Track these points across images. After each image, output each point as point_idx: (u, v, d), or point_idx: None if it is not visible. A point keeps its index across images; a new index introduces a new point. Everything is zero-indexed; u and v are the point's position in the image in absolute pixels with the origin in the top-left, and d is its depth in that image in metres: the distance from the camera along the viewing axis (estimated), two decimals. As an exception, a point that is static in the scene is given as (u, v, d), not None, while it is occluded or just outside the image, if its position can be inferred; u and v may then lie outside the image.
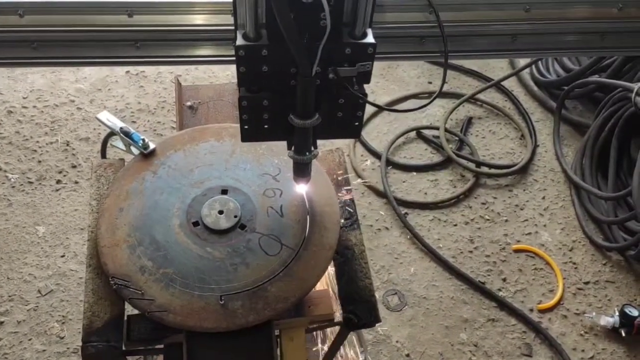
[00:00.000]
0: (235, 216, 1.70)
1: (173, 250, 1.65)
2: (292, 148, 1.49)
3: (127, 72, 3.96)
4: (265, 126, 1.45)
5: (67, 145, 3.49)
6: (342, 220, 1.81)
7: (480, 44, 1.63)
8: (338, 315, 1.75)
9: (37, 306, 2.79)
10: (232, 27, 1.32)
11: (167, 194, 1.77)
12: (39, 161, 3.40)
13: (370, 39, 1.29)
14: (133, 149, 1.93)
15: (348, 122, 1.47)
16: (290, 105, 1.36)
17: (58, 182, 3.30)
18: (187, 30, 1.46)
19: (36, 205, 3.19)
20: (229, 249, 1.66)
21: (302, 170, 1.59)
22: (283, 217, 1.74)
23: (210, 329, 1.53)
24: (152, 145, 1.88)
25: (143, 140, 1.87)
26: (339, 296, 1.70)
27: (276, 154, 1.89)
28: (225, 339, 1.55)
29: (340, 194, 1.87)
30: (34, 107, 3.71)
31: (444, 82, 1.49)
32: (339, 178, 1.92)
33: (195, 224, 1.70)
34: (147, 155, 1.86)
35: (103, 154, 2.27)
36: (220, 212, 1.70)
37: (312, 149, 1.49)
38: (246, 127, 1.46)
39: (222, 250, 1.65)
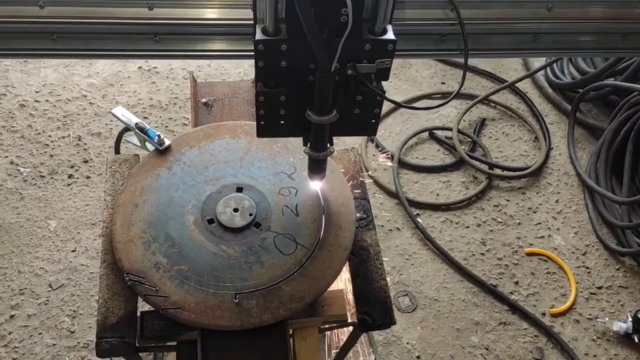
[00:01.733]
0: (251, 214, 1.69)
1: (188, 248, 1.64)
2: (308, 144, 1.48)
3: (140, 67, 3.96)
4: (282, 122, 1.44)
5: (79, 140, 3.49)
6: (358, 219, 1.80)
7: (501, 42, 1.61)
8: (350, 316, 1.73)
9: (47, 300, 2.79)
10: (252, 22, 1.30)
11: (181, 190, 1.76)
12: (51, 155, 3.40)
13: (390, 35, 1.28)
14: (147, 145, 1.92)
15: (365, 120, 1.46)
16: (308, 102, 1.35)
17: (70, 176, 3.30)
18: (207, 24, 1.45)
19: (48, 200, 3.19)
20: (244, 247, 1.64)
21: (317, 167, 1.58)
22: (298, 216, 1.72)
23: (225, 327, 1.52)
24: (167, 142, 1.87)
25: (158, 136, 1.86)
26: (353, 297, 1.68)
27: (292, 152, 1.87)
28: (239, 338, 1.54)
29: (355, 194, 1.86)
30: (47, 101, 3.71)
31: (464, 79, 1.48)
32: (354, 178, 1.90)
33: (210, 221, 1.69)
34: (162, 151, 1.86)
35: (117, 150, 2.26)
36: (235, 210, 1.69)
37: (328, 145, 1.48)
38: (262, 122, 1.45)
39: (237, 248, 1.64)
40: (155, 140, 1.86)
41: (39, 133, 3.52)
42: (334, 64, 1.23)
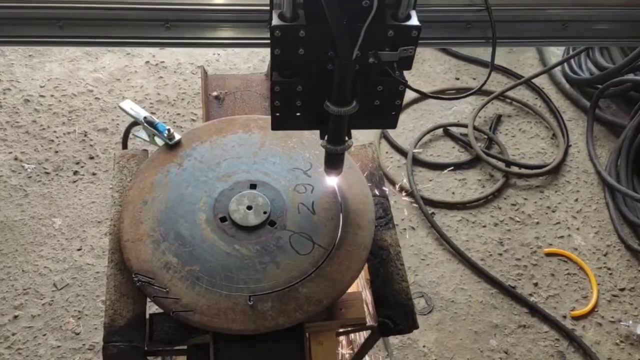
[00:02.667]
0: (265, 212, 1.62)
1: (199, 247, 1.57)
2: (326, 137, 1.42)
3: (147, 62, 3.90)
4: (298, 114, 1.39)
5: (85, 135, 3.44)
6: (377, 218, 1.73)
7: (529, 30, 1.54)
8: (369, 319, 1.67)
9: (52, 300, 2.73)
10: (266, 8, 1.24)
11: (192, 187, 1.70)
12: (56, 151, 3.35)
13: (414, 21, 1.22)
14: (157, 139, 1.86)
15: (385, 111, 1.40)
16: (325, 92, 1.29)
17: (75, 173, 3.24)
18: (220, 10, 1.38)
19: (53, 197, 3.13)
20: (258, 247, 1.58)
21: (334, 162, 1.52)
22: (315, 214, 1.66)
23: (238, 331, 1.45)
24: (177, 136, 1.81)
25: (168, 130, 1.79)
26: (373, 299, 1.61)
27: (307, 147, 1.81)
28: (253, 342, 1.48)
29: (374, 191, 1.78)
30: (52, 96, 3.66)
31: (492, 68, 1.40)
32: (373, 174, 1.83)
33: (223, 219, 1.62)
34: (172, 146, 1.79)
35: (124, 145, 2.20)
36: (249, 208, 1.63)
37: (346, 139, 1.42)
38: (277, 114, 1.39)
39: (251, 248, 1.58)
40: (165, 135, 1.80)
41: (43, 129, 3.46)
42: (355, 52, 1.17)
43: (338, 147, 1.43)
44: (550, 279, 2.94)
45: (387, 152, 3.46)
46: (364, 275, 1.72)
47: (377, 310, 1.58)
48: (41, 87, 3.71)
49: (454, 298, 2.83)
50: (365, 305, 1.70)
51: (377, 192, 1.79)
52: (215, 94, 2.06)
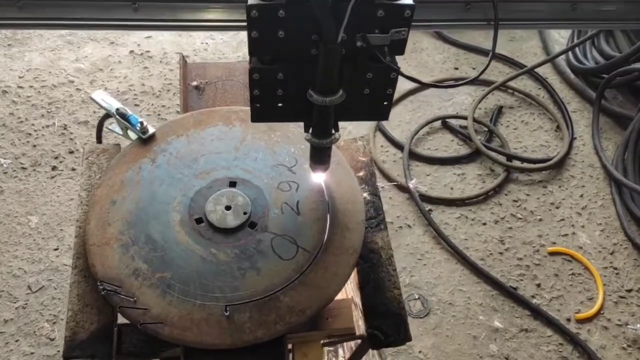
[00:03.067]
0: (245, 213, 1.52)
1: (172, 251, 1.46)
2: (310, 130, 1.33)
3: (131, 51, 3.78)
4: (280, 104, 1.30)
5: (65, 129, 3.32)
6: (368, 219, 1.61)
7: (535, 12, 1.42)
8: (359, 328, 1.55)
9: (26, 304, 2.62)
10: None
11: (167, 185, 1.58)
12: (34, 145, 3.23)
13: (407, -1, 1.12)
14: (130, 133, 1.74)
15: (376, 101, 1.31)
16: (310, 80, 1.21)
17: (54, 168, 3.12)
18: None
19: (29, 194, 3.02)
20: (237, 251, 1.47)
21: (320, 157, 1.43)
22: (299, 215, 1.55)
23: (213, 345, 1.35)
24: (151, 130, 1.69)
25: (141, 123, 1.67)
26: (362, 308, 1.49)
27: (293, 141, 1.70)
28: (229, 357, 1.37)
29: (364, 189, 1.67)
30: (31, 87, 3.54)
31: (493, 52, 1.28)
32: (364, 171, 1.71)
33: (199, 220, 1.52)
34: (145, 140, 1.68)
35: (99, 139, 2.09)
36: (228, 208, 1.53)
37: (333, 132, 1.33)
38: (257, 104, 1.31)
39: (229, 252, 1.47)
40: (138, 128, 1.68)
41: (21, 121, 3.34)
42: (340, 34, 1.08)
43: (324, 141, 1.34)
44: (554, 280, 2.83)
45: (382, 146, 3.35)
46: (354, 279, 1.61)
47: (367, 319, 1.46)
48: (20, 77, 3.60)
49: (452, 300, 2.73)
50: (355, 313, 1.59)
51: (368, 190, 1.67)
52: (195, 83, 1.93)
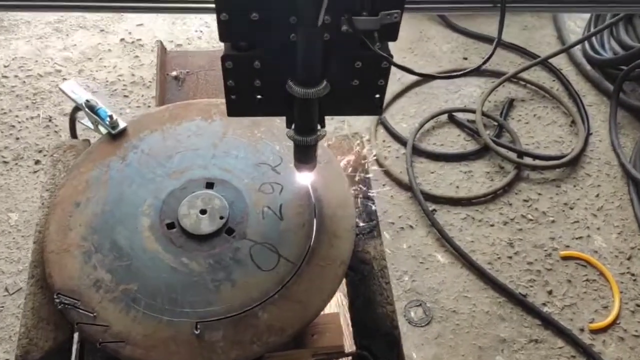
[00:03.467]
0: (222, 217, 1.41)
1: (139, 260, 1.35)
2: (293, 126, 1.22)
3: (122, 39, 3.66)
4: (258, 96, 1.20)
5: (50, 120, 3.21)
6: (359, 225, 1.48)
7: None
8: (349, 346, 1.43)
9: (2, 306, 2.52)
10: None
11: (137, 185, 1.47)
12: (17, 138, 3.13)
13: (399, -24, 1.02)
14: (101, 128, 1.62)
15: (366, 94, 1.20)
16: (290, 69, 1.10)
17: (37, 162, 3.01)
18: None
19: (10, 189, 2.91)
20: (211, 261, 1.35)
21: (305, 155, 1.32)
22: (283, 220, 1.42)
23: (181, 367, 1.22)
24: (122, 124, 1.57)
25: (110, 117, 1.55)
26: (352, 325, 1.36)
27: (278, 138, 1.57)
28: (200, 381, 1.24)
29: (356, 191, 1.53)
30: (16, 76, 3.43)
31: (499, 37, 1.14)
32: (356, 171, 1.58)
33: (170, 226, 1.40)
34: (115, 136, 1.56)
35: (73, 134, 1.97)
36: (203, 212, 1.41)
37: (319, 127, 1.23)
38: (233, 96, 1.21)
39: (202, 261, 1.35)
40: (107, 122, 1.55)
41: (4, 112, 3.24)
42: (321, 16, 0.97)
43: (307, 138, 1.24)
44: (567, 286, 2.69)
45: (384, 141, 3.21)
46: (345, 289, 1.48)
47: (356, 338, 1.33)
48: (5, 66, 3.49)
49: (456, 307, 2.60)
50: (345, 328, 1.46)
51: (360, 193, 1.53)
52: (174, 73, 1.81)
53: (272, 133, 1.58)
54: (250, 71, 1.15)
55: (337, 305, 1.59)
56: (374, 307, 1.35)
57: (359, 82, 1.18)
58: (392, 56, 1.11)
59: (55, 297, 1.26)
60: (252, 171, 1.50)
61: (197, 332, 1.24)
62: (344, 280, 1.40)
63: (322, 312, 1.34)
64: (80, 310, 1.25)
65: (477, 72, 3.58)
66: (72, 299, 1.26)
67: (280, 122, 1.58)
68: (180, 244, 1.37)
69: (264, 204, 1.44)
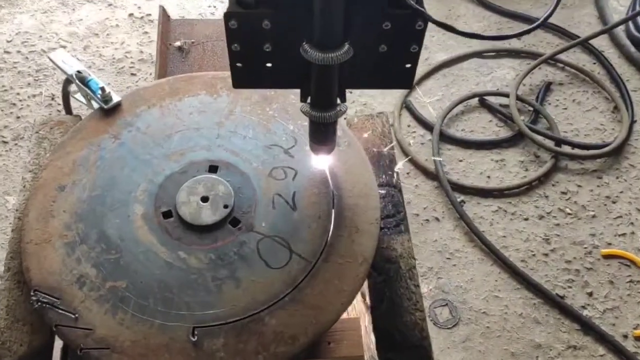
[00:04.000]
0: (226, 206, 1.25)
1: (130, 254, 1.19)
2: (308, 99, 1.08)
3: (130, 14, 3.52)
4: (268, 64, 1.04)
5: (52, 99, 3.10)
6: (384, 217, 1.31)
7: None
8: (370, 357, 1.26)
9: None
10: None
11: (130, 168, 1.31)
12: (18, 117, 3.01)
13: None
14: (94, 103, 1.46)
15: (395, 63, 1.05)
16: (305, 29, 0.94)
17: (37, 143, 2.88)
18: None
19: (9, 171, 2.80)
20: (212, 256, 1.20)
21: (321, 135, 1.17)
22: (296, 210, 1.26)
23: (174, 380, 1.07)
24: (115, 98, 1.41)
25: (102, 89, 1.39)
26: (374, 334, 1.20)
27: (292, 117, 1.41)
28: (196, 396, 1.09)
29: (381, 179, 1.36)
30: (18, 52, 3.31)
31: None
32: (381, 156, 1.40)
33: (167, 214, 1.25)
34: (107, 111, 1.40)
35: (67, 109, 1.82)
36: (205, 200, 1.26)
37: (338, 102, 1.08)
38: (239, 64, 1.06)
39: (202, 257, 1.20)
40: (98, 95, 1.39)
41: (5, 90, 3.13)
42: None
43: (325, 114, 1.08)
44: (609, 288, 2.50)
45: (409, 126, 3.03)
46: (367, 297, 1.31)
47: (379, 350, 1.17)
48: (8, 41, 3.37)
49: (487, 309, 2.42)
50: (365, 336, 1.30)
51: (385, 181, 1.36)
52: (177, 43, 1.64)
53: (286, 111, 1.41)
54: (258, 32, 0.99)
55: (357, 308, 1.43)
56: (400, 313, 1.18)
57: (387, 48, 1.01)
58: (429, 15, 0.94)
59: (32, 294, 1.12)
60: (262, 154, 1.33)
61: (194, 339, 1.09)
62: (365, 282, 1.23)
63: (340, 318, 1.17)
64: (60, 311, 1.10)
65: (510, 53, 3.39)
66: (51, 297, 1.11)
67: (295, 98, 1.42)
68: (178, 236, 1.21)
69: (274, 191, 1.28)
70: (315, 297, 1.15)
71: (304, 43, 0.94)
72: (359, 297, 1.38)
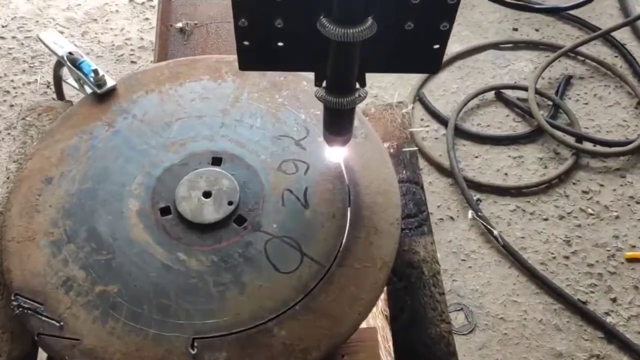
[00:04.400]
0: (230, 202, 1.14)
1: (123, 254, 1.08)
2: (324, 83, 0.97)
3: (131, 0, 3.39)
4: (279, 43, 0.94)
5: (48, 87, 3.00)
6: (404, 218, 1.20)
7: None
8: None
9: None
10: None
11: (125, 159, 1.20)
12: (11, 105, 2.91)
13: None
14: (88, 87, 1.35)
15: (422, 43, 0.95)
16: (323, 1, 0.83)
17: (32, 133, 2.78)
18: None
19: (1, 162, 2.69)
20: (215, 258, 1.09)
21: (338, 124, 1.06)
22: (308, 208, 1.15)
23: (170, 398, 0.96)
24: (110, 82, 1.29)
25: (95, 71, 1.28)
26: (394, 347, 1.09)
27: (304, 105, 1.30)
28: (195, 416, 0.98)
29: (402, 175, 1.25)
30: (14, 37, 3.22)
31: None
32: (401, 149, 1.29)
33: (164, 211, 1.14)
34: (101, 96, 1.29)
35: (59, 95, 1.72)
36: (207, 195, 1.15)
37: (358, 87, 0.98)
38: (246, 42, 0.95)
39: (204, 258, 1.09)
40: (91, 79, 1.28)
41: (-1, 77, 3.01)
42: None
43: (343, 99, 0.97)
44: (633, 293, 2.40)
45: (422, 119, 2.93)
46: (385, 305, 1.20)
47: (399, 365, 1.06)
48: (3, 26, 3.28)
49: (504, 314, 2.31)
50: (382, 348, 1.19)
51: (406, 177, 1.25)
52: (179, 25, 1.53)
53: (297, 98, 1.30)
54: (269, 5, 0.88)
55: (375, 317, 1.32)
56: (423, 324, 1.07)
57: (414, 26, 0.90)
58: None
59: (12, 298, 1.01)
60: (271, 145, 1.22)
61: (193, 352, 0.98)
62: (384, 290, 1.12)
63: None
64: (44, 318, 1.00)
65: (528, 45, 3.27)
66: (34, 302, 1.01)
67: (307, 84, 1.31)
68: (177, 235, 1.10)
69: (284, 186, 1.17)
70: (329, 305, 1.03)
71: (322, 17, 0.83)
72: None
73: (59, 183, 1.15)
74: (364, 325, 1.18)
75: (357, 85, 0.97)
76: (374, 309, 1.22)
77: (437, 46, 0.95)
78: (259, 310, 1.02)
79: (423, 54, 0.96)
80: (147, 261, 1.07)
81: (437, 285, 1.11)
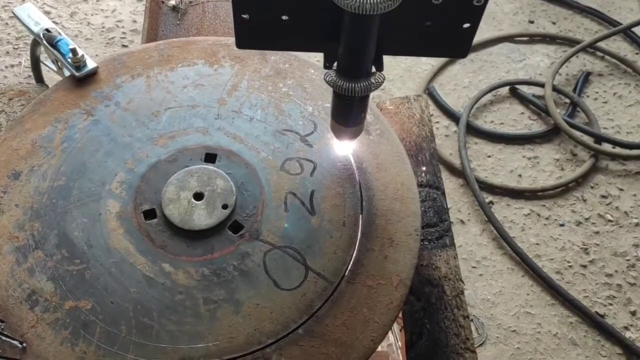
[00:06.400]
0: (225, 206, 1.02)
1: (99, 265, 0.95)
2: (335, 65, 0.86)
3: (124, -20, 3.25)
4: (284, 17, 0.82)
5: (33, 70, 2.83)
6: (424, 228, 1.07)
7: None
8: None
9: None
10: None
11: (105, 153, 1.07)
12: (-7, 89, 2.75)
13: None
14: (65, 70, 1.22)
15: (450, 22, 0.85)
16: None
17: (13, 119, 2.64)
18: None
19: (-21, 150, 2.54)
20: (206, 271, 0.95)
21: (347, 112, 0.93)
22: (314, 214, 1.01)
23: None
24: (91, 64, 1.16)
25: (73, 51, 1.14)
26: (409, 378, 0.96)
27: (311, 96, 1.16)
28: None
29: (421, 178, 1.12)
30: (-3, 17, 3.05)
31: None
32: (421, 148, 1.16)
33: (149, 214, 1.01)
34: (80, 80, 1.15)
35: (37, 77, 1.59)
36: (198, 197, 1.02)
37: (373, 70, 0.87)
38: (245, 15, 0.84)
39: (193, 271, 0.96)
40: (69, 59, 1.14)
41: (-19, 59, 2.87)
42: None
43: (356, 85, 0.85)
44: (655, 307, 2.28)
45: (432, 115, 2.77)
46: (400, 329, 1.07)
47: (417, 399, 0.93)
48: (-13, 5, 3.11)
49: (517, 326, 2.19)
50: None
51: (426, 180, 1.11)
52: (172, 2, 1.39)
53: (303, 88, 1.16)
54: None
55: (386, 339, 1.19)
56: (445, 352, 0.94)
57: (443, 1, 0.80)
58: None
59: (-33, 314, 0.87)
60: (273, 140, 1.09)
61: (177, 383, 0.84)
62: (400, 311, 0.99)
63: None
64: (4, 338, 0.86)
65: (545, 39, 3.14)
66: (-8, 319, 0.87)
67: (315, 72, 1.17)
68: (162, 243, 0.97)
69: (287, 189, 1.03)
70: (337, 329, 0.90)
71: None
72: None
73: (27, 179, 1.02)
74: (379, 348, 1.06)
75: (373, 69, 0.84)
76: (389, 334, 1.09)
77: (467, 25, 0.84)
78: (255, 333, 0.89)
79: (451, 34, 0.85)
80: (126, 273, 0.93)
81: (461, 307, 0.98)
